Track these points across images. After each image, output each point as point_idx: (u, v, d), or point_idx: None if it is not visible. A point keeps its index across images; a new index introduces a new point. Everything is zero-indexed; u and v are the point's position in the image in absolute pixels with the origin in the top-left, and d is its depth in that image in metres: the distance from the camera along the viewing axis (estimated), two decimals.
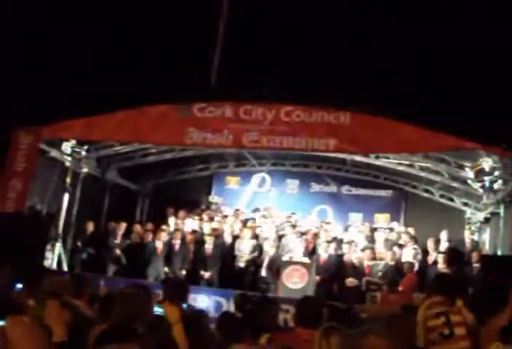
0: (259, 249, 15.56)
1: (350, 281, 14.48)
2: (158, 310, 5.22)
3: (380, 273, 14.56)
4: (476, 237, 16.83)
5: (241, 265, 15.40)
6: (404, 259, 14.99)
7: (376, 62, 16.21)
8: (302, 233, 16.20)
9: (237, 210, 18.19)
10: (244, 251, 15.55)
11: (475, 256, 14.54)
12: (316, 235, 16.20)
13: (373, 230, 16.91)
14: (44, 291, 4.62)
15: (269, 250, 15.29)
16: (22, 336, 2.54)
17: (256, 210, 18.55)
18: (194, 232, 16.35)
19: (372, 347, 2.61)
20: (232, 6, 15.74)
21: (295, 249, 15.14)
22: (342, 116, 13.32)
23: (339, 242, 15.89)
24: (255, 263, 15.38)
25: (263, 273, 15.14)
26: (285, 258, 14.76)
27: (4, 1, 15.12)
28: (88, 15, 16.13)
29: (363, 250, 15.42)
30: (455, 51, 15.82)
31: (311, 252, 15.47)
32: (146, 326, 4.33)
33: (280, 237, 16.11)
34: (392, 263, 14.73)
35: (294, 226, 16.49)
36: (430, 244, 15.53)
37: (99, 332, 3.77)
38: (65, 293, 4.94)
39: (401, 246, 15.73)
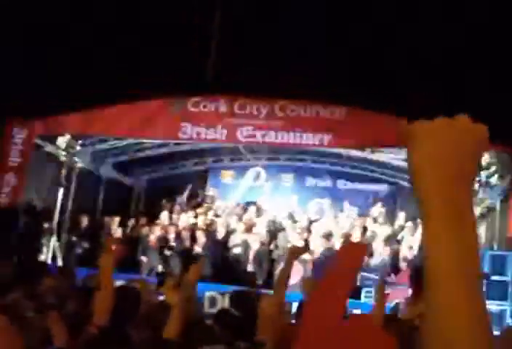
0: (245, 243, 15.54)
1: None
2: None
3: (376, 268, 14.52)
4: None
5: (232, 259, 15.42)
6: (400, 254, 14.97)
7: (373, 56, 16.15)
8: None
9: (234, 204, 18.19)
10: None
11: None
12: (309, 230, 16.17)
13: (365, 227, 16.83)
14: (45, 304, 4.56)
15: (253, 245, 15.27)
16: None
17: (250, 204, 18.51)
18: (189, 226, 16.36)
19: None
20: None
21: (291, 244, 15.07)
22: (337, 111, 13.33)
23: (331, 237, 15.87)
24: (241, 258, 15.39)
25: (249, 267, 15.15)
26: (276, 254, 14.74)
27: None
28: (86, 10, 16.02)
29: None
30: (452, 44, 15.76)
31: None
32: (139, 327, 4.30)
33: (275, 232, 16.09)
34: (388, 258, 14.69)
35: (295, 221, 16.51)
36: None
37: (89, 337, 3.73)
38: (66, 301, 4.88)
39: (397, 241, 15.71)
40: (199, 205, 18.32)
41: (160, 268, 15.34)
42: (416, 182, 1.15)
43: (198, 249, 15.44)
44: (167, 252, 15.50)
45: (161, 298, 5.26)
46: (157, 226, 16.00)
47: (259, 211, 17.61)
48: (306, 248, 13.67)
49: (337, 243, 15.47)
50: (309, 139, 13.41)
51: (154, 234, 15.70)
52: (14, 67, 14.59)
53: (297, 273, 13.48)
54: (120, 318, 4.20)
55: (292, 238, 15.43)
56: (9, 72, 14.30)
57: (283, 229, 16.19)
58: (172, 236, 15.74)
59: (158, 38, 16.06)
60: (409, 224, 16.49)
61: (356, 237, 15.87)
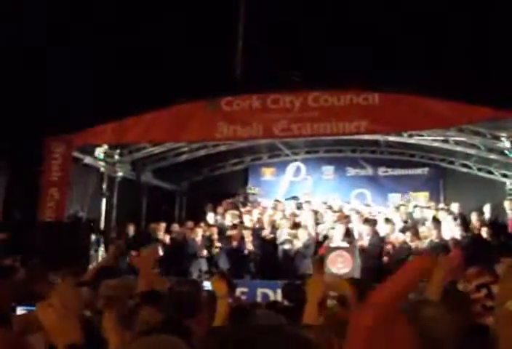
0: (293, 238, 15.47)
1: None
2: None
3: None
4: None
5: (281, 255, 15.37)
6: (447, 236, 14.80)
7: (400, 37, 16.07)
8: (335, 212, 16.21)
9: (276, 201, 18.12)
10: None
11: None
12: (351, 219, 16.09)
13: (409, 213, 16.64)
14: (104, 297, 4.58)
15: (301, 238, 15.22)
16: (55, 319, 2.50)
17: (294, 198, 18.44)
18: (235, 226, 16.32)
19: (430, 317, 2.63)
20: None
21: (334, 235, 15.00)
22: (370, 97, 13.24)
23: (375, 224, 15.74)
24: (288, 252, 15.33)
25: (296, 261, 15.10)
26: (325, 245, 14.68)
27: None
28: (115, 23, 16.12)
29: (404, 231, 15.24)
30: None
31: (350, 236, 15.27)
32: (200, 323, 4.29)
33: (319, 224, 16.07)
34: (437, 240, 14.51)
35: (335, 211, 16.43)
36: (473, 218, 15.28)
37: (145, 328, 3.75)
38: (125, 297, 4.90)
39: (439, 222, 15.53)
40: (242, 204, 18.29)
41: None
42: None
43: (247, 247, 15.41)
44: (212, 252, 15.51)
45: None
46: (200, 228, 16.00)
47: (302, 206, 17.54)
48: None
49: (381, 231, 15.36)
50: (345, 127, 13.34)
51: (198, 236, 15.69)
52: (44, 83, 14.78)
53: (347, 262, 13.42)
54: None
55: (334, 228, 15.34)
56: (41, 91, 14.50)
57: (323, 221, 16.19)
58: (215, 237, 15.73)
59: (187, 40, 16.13)
60: (454, 205, 16.36)
61: (398, 224, 15.76)
